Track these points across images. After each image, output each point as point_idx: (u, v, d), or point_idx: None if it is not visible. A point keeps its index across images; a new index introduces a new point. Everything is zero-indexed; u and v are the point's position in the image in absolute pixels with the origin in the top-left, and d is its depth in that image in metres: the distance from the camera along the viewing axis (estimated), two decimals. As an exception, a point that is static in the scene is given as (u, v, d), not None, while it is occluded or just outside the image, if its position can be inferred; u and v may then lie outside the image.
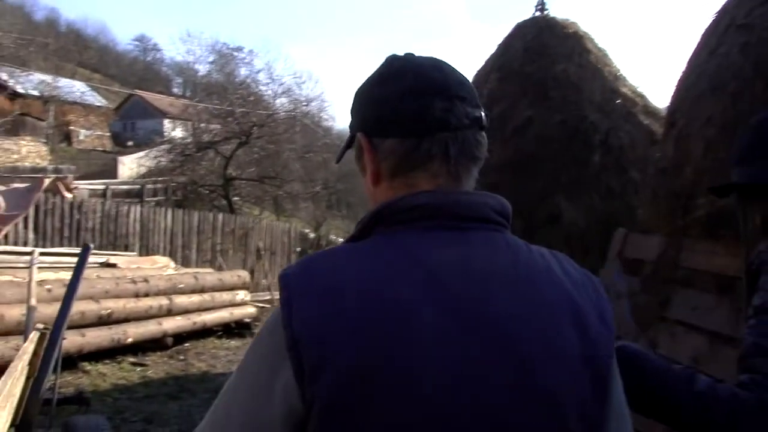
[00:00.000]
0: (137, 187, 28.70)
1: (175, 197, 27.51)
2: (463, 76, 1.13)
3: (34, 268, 6.93)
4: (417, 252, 0.99)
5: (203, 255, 14.13)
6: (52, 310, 7.55)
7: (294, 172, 18.94)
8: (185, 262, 12.96)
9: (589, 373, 0.99)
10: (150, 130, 41.66)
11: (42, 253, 9.18)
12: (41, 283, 7.53)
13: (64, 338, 6.36)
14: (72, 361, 7.80)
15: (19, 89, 37.77)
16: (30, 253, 9.09)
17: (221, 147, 19.98)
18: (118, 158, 35.07)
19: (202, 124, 20.08)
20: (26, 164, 29.77)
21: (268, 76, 24.28)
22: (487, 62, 7.54)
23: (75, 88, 43.72)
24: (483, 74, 7.40)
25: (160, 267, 10.62)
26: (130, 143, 42.85)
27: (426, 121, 1.05)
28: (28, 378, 3.50)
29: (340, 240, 23.04)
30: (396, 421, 0.89)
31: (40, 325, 3.75)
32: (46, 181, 10.04)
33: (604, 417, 1.01)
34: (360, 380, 0.88)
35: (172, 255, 12.40)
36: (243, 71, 25.21)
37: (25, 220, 9.68)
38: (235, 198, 20.56)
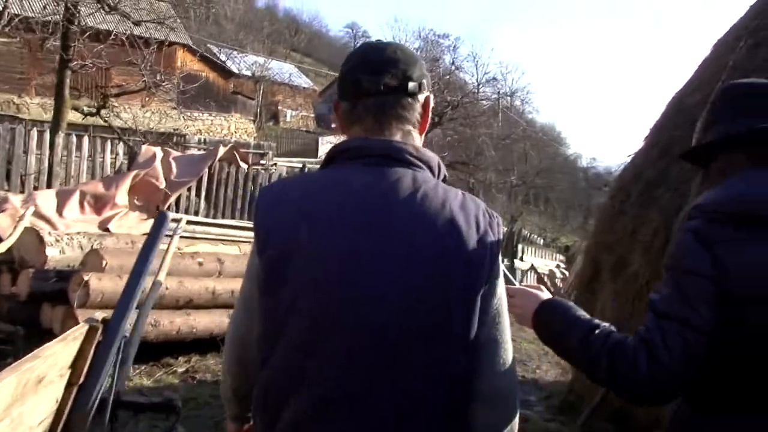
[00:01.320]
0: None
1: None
2: (400, 54, 1.55)
3: (176, 238, 6.21)
4: (342, 177, 1.49)
5: None
6: (199, 286, 6.97)
7: (488, 159, 16.75)
8: None
9: (458, 270, 1.41)
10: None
11: (206, 224, 8.58)
12: (194, 255, 6.85)
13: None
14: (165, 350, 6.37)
15: (234, 69, 39.37)
16: (201, 223, 8.56)
17: None
18: (319, 138, 35.49)
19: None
20: (232, 139, 30.74)
21: (472, 64, 22.67)
22: (732, 29, 5.90)
23: (284, 70, 45.03)
24: (727, 42, 5.78)
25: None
26: (333, 125, 43.46)
27: (357, 89, 1.53)
28: (69, 385, 2.53)
29: (534, 236, 21.84)
30: (298, 286, 1.40)
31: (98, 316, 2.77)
32: (222, 150, 9.45)
33: (464, 307, 1.41)
34: (282, 256, 1.41)
35: None
36: (447, 58, 24.15)
37: (198, 187, 9.15)
38: None
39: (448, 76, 18.42)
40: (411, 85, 1.51)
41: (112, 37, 11.82)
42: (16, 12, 10.78)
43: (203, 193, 9.25)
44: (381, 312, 1.38)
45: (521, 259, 15.82)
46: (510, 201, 29.21)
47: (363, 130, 1.53)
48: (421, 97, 1.55)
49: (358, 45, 1.72)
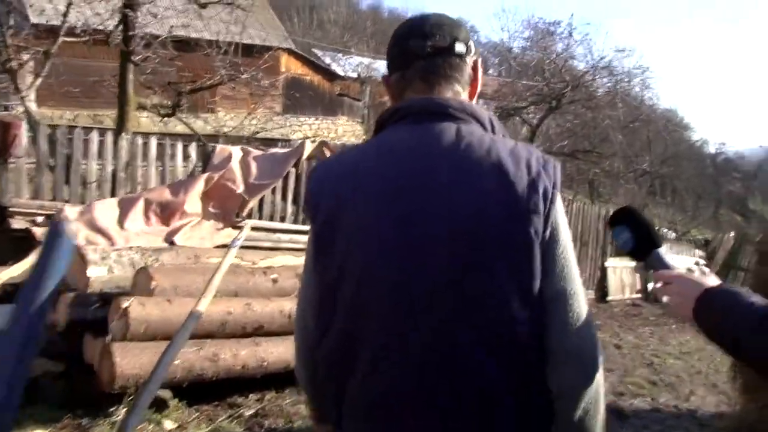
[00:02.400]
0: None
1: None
2: (445, 19, 1.58)
3: (232, 251, 5.04)
4: (387, 140, 1.53)
5: None
6: (271, 308, 5.76)
7: (615, 145, 14.54)
8: None
9: (508, 221, 1.37)
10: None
11: (284, 231, 7.44)
12: (267, 270, 5.68)
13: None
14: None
15: (339, 72, 38.67)
16: (278, 231, 7.42)
17: (527, 114, 16.49)
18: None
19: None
20: (338, 142, 29.97)
21: (586, 50, 20.42)
22: None
23: (391, 69, 44.10)
24: None
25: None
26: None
27: (406, 55, 1.56)
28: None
29: (664, 230, 19.82)
30: (345, 251, 1.44)
31: None
32: (309, 146, 8.28)
33: (527, 248, 1.37)
34: (332, 222, 1.46)
35: None
36: (560, 47, 22.21)
37: (284, 190, 8.01)
38: None
39: (562, 62, 16.65)
40: (458, 45, 1.54)
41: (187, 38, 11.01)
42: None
43: (290, 196, 8.11)
44: (424, 274, 1.38)
45: (656, 257, 13.96)
46: (636, 193, 26.98)
47: (413, 93, 1.55)
48: (470, 60, 1.58)
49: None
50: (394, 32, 1.64)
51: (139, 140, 7.01)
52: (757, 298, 1.42)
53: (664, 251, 1.63)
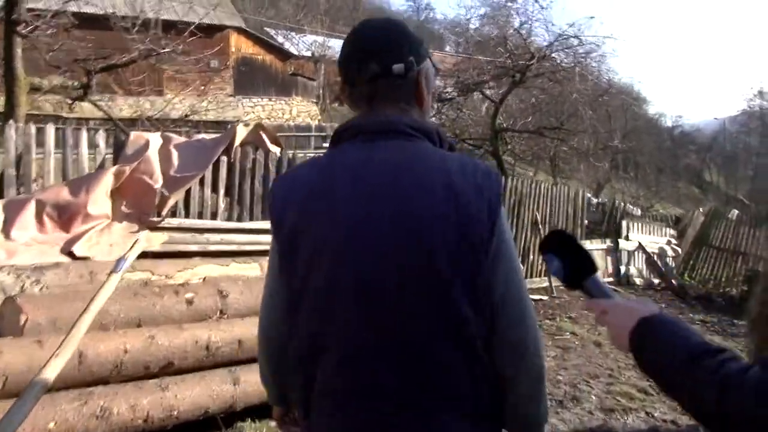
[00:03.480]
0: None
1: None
2: (387, 37, 1.64)
3: (114, 278, 3.87)
4: (343, 156, 1.60)
5: None
6: (184, 338, 4.56)
7: (585, 121, 13.34)
8: None
9: (456, 229, 1.46)
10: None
11: (222, 230, 6.27)
12: (180, 289, 4.51)
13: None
14: None
15: (292, 50, 37.20)
16: (195, 230, 6.22)
17: (489, 90, 15.04)
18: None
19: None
20: (292, 123, 28.66)
21: (543, 24, 18.74)
22: None
23: (346, 47, 42.77)
24: None
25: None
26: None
27: (350, 76, 1.65)
28: None
29: (629, 206, 19.02)
30: (310, 256, 1.53)
31: None
32: (241, 130, 7.07)
33: (471, 258, 1.48)
34: (295, 234, 1.56)
35: None
36: (517, 22, 20.88)
37: (215, 181, 6.81)
38: (507, 157, 16.74)
39: (526, 34, 15.16)
40: (396, 67, 1.60)
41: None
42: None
43: (222, 189, 6.92)
44: (379, 272, 1.48)
45: (626, 237, 13.11)
46: (595, 169, 26.17)
47: (362, 109, 1.66)
48: (412, 75, 1.63)
49: (357, 24, 1.75)
50: (344, 41, 1.72)
51: (32, 128, 5.72)
52: (688, 333, 1.33)
53: (600, 277, 1.57)
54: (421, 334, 1.48)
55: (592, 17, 12.25)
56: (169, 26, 13.18)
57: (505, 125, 14.11)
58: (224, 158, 6.91)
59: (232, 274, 5.12)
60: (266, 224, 7.00)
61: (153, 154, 6.21)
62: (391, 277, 1.48)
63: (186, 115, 11.58)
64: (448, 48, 56.41)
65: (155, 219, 5.98)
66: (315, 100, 35.25)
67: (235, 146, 6.98)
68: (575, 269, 1.56)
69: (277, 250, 1.63)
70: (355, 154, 1.58)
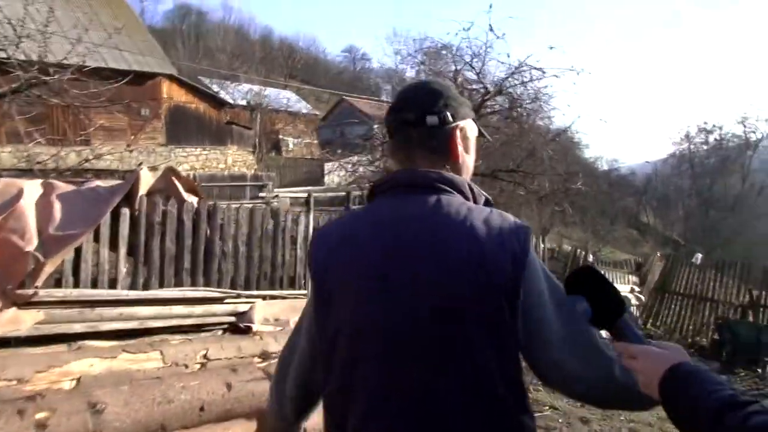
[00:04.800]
0: (342, 194, 25.08)
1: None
2: (424, 89, 1.72)
3: None
4: (377, 209, 1.64)
5: None
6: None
7: (545, 162, 11.81)
8: None
9: (477, 284, 1.45)
10: (359, 136, 38.43)
11: (121, 302, 4.80)
12: (31, 403, 3.02)
13: None
14: None
15: (228, 99, 35.81)
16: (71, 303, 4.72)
17: None
18: (325, 165, 31.85)
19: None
20: (226, 173, 27.13)
21: (496, 59, 16.38)
22: None
23: (282, 96, 41.59)
24: None
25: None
26: (339, 150, 40.06)
27: (388, 128, 1.73)
28: None
29: (582, 252, 18.07)
30: (341, 308, 1.56)
31: None
32: (147, 176, 5.61)
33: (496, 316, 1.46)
34: (328, 283, 1.59)
35: None
36: (453, 68, 19.51)
37: (114, 239, 5.34)
38: None
39: (479, 67, 13.49)
40: (429, 118, 1.63)
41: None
42: None
43: (123, 248, 5.44)
44: (398, 326, 1.49)
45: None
46: (540, 213, 25.29)
47: (398, 162, 1.70)
48: (448, 128, 1.65)
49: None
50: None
51: None
52: (718, 384, 1.28)
53: (629, 318, 1.46)
54: (440, 390, 1.46)
55: (551, 47, 10.91)
56: (95, 73, 11.82)
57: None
58: (126, 210, 5.44)
59: (119, 369, 3.65)
60: (180, 292, 5.56)
61: (27, 206, 4.72)
62: (414, 329, 1.48)
63: (84, 161, 10.02)
64: (384, 97, 55.87)
65: (26, 292, 4.48)
66: (251, 149, 33.82)
67: (139, 195, 5.52)
68: (604, 309, 1.42)
69: (313, 300, 1.67)
70: (385, 207, 1.63)
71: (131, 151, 27.62)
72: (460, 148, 1.66)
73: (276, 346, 4.54)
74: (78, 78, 10.08)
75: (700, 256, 13.49)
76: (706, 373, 1.32)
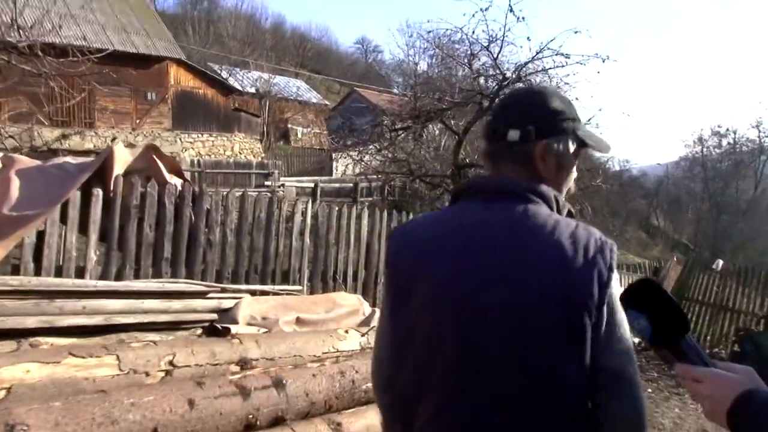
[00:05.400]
0: (349, 185, 24.44)
1: (392, 197, 22.72)
2: (516, 102, 1.73)
3: None
4: (459, 213, 1.63)
5: None
6: None
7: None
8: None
9: (564, 297, 1.41)
10: (368, 127, 37.72)
11: (87, 294, 4.15)
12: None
13: None
14: None
15: (236, 86, 35.18)
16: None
17: (451, 119, 12.69)
18: (333, 155, 31.20)
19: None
20: (231, 160, 26.52)
21: (492, 59, 15.14)
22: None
23: (292, 85, 40.96)
24: None
25: (348, 315, 5.38)
26: (349, 141, 39.44)
27: (485, 136, 1.72)
28: None
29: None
30: (416, 309, 1.56)
31: None
32: (122, 153, 4.97)
33: (568, 343, 1.42)
34: (408, 282, 1.59)
35: (365, 289, 6.96)
36: (467, 52, 18.59)
37: (84, 222, 4.72)
38: None
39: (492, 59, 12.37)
40: (511, 133, 1.61)
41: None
42: None
43: (93, 233, 4.80)
44: (482, 332, 1.47)
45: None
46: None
47: (487, 168, 1.72)
48: (530, 145, 1.60)
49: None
50: None
51: None
52: None
53: (693, 338, 1.34)
54: (520, 396, 1.44)
55: (576, 31, 9.92)
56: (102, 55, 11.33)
57: (469, 161, 12.01)
58: (98, 191, 4.80)
59: (62, 378, 3.01)
60: (157, 284, 4.92)
61: (-20, 182, 4.08)
62: (493, 338, 1.46)
63: (57, 139, 9.48)
64: (395, 89, 55.20)
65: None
66: (259, 137, 33.21)
67: (114, 174, 4.88)
68: (666, 327, 1.32)
69: (390, 297, 1.68)
70: (471, 212, 1.61)
71: (136, 136, 27.15)
72: (543, 166, 1.61)
73: (257, 352, 3.90)
74: (76, 56, 9.59)
75: (721, 262, 12.73)
76: None
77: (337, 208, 6.54)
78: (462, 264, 1.52)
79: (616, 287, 1.45)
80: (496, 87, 10.64)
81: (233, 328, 4.21)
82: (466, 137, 11.60)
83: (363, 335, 4.69)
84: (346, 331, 4.66)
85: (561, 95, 1.71)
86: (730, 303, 11.86)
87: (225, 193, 5.78)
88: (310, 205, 6.32)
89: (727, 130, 53.78)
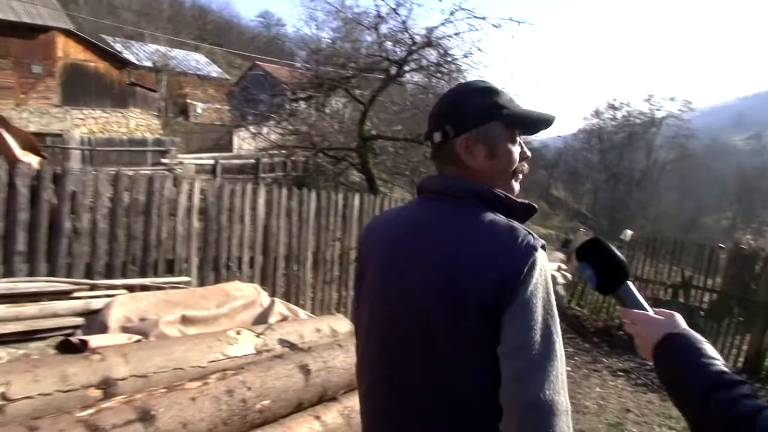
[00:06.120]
0: (251, 161, 23.39)
1: (296, 173, 21.85)
2: (439, 104, 1.70)
3: None
4: (406, 209, 1.73)
5: (325, 271, 6.73)
6: None
7: None
8: (294, 291, 6.36)
9: (454, 293, 1.46)
10: (271, 103, 36.47)
11: None
12: None
13: None
14: None
15: (132, 60, 33.22)
16: None
17: (356, 89, 11.87)
18: (234, 131, 29.96)
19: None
20: (125, 137, 24.97)
21: (400, 22, 14.26)
22: None
23: (190, 57, 39.16)
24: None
25: (243, 309, 4.64)
26: (250, 117, 38.12)
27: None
28: None
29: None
30: (363, 292, 1.75)
31: None
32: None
33: (462, 322, 1.46)
34: (362, 269, 1.76)
35: (263, 276, 6.05)
36: (369, 38, 17.29)
37: None
38: (381, 173, 13.37)
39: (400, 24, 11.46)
40: (435, 134, 1.66)
41: None
42: None
43: None
44: (399, 323, 1.59)
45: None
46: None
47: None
48: (451, 143, 1.63)
49: None
50: None
51: None
52: (709, 359, 1.32)
53: (632, 286, 1.54)
54: (418, 388, 1.54)
55: None
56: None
57: (375, 132, 11.24)
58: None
59: None
60: (7, 285, 4.06)
61: None
62: (409, 327, 1.55)
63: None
64: (298, 63, 53.80)
65: None
66: (156, 113, 31.54)
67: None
68: (608, 277, 1.52)
69: (355, 278, 1.85)
70: (412, 208, 1.71)
71: (21, 112, 25.11)
72: (472, 159, 1.62)
73: (125, 368, 3.10)
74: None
75: (629, 232, 12.60)
76: (700, 344, 1.36)
77: (229, 186, 5.72)
78: (393, 256, 1.64)
79: (533, 284, 1.44)
80: (406, 52, 9.94)
81: (95, 340, 3.40)
82: (372, 107, 10.85)
83: (259, 335, 3.95)
84: (239, 332, 3.89)
85: (482, 85, 1.68)
86: (639, 273, 11.73)
87: (94, 172, 4.88)
88: (197, 183, 5.48)
89: (622, 103, 55.40)
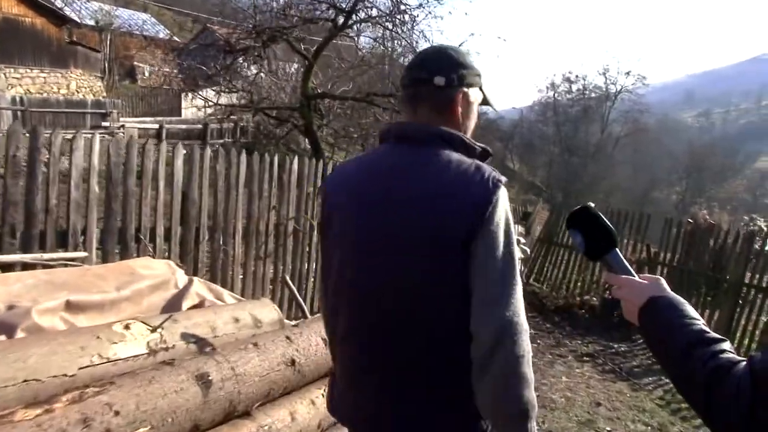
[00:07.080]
0: (198, 127, 22.23)
1: (245, 138, 20.81)
2: (436, 54, 1.78)
3: None
4: (373, 156, 1.79)
5: (258, 244, 5.84)
6: None
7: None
8: (220, 268, 5.47)
9: (430, 233, 1.54)
10: (223, 67, 35.00)
11: None
12: None
13: None
14: None
15: (73, 17, 31.40)
16: None
17: (300, 43, 10.64)
18: (182, 96, 28.58)
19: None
20: (61, 98, 23.48)
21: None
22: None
23: (137, 17, 37.38)
24: None
25: (151, 291, 3.75)
26: (201, 81, 36.60)
27: (402, 80, 1.80)
28: None
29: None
30: (333, 240, 1.77)
31: None
32: None
33: (440, 251, 1.54)
34: (329, 216, 1.80)
35: (183, 251, 5.14)
36: None
37: None
38: (327, 136, 12.17)
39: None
40: (437, 78, 1.71)
41: None
42: None
43: None
44: (367, 269, 1.66)
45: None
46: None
47: (404, 115, 1.81)
48: (453, 90, 1.72)
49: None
50: None
51: None
52: (691, 320, 1.34)
53: (619, 252, 1.56)
54: (396, 332, 1.61)
55: None
56: None
57: (320, 90, 10.19)
58: None
59: None
60: None
61: None
62: (378, 273, 1.63)
63: None
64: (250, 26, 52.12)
65: None
66: (100, 75, 29.91)
67: None
68: (596, 243, 1.54)
69: (318, 229, 2.04)
70: (380, 155, 1.76)
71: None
72: (460, 110, 1.74)
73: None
74: None
75: (592, 205, 11.97)
76: (682, 306, 1.39)
77: (138, 145, 4.74)
78: (366, 201, 1.69)
79: (504, 214, 1.56)
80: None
81: None
82: (317, 62, 9.82)
83: (154, 331, 3.04)
84: (127, 326, 2.94)
85: (467, 52, 1.85)
86: (601, 249, 11.09)
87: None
88: (96, 139, 4.50)
89: (577, 76, 55.41)
